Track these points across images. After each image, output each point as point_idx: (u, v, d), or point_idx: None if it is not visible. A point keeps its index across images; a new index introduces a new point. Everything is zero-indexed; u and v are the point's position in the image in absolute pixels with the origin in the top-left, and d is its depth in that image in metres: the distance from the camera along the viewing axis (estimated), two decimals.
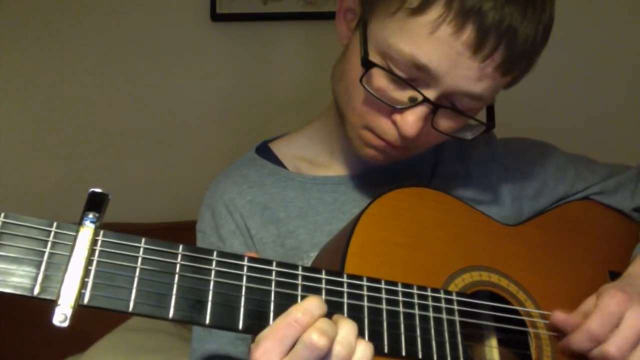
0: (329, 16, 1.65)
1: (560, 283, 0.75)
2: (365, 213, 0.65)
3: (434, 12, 0.61)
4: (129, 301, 0.46)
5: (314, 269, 0.56)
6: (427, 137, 0.70)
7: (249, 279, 0.52)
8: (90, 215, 0.46)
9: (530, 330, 0.68)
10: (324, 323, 0.49)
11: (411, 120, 0.66)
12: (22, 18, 1.74)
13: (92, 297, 0.45)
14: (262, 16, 1.72)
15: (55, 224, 0.45)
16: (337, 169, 0.83)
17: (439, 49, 0.62)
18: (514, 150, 0.89)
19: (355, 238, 0.62)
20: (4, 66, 1.73)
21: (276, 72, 1.74)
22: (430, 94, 0.65)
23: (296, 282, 0.54)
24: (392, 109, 0.67)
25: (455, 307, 0.62)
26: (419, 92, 0.65)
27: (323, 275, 0.56)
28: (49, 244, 0.44)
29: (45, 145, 1.75)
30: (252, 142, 0.90)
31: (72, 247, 0.45)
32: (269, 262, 0.54)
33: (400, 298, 0.59)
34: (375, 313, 0.57)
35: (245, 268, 0.52)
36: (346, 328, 0.50)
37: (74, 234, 0.45)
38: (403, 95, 0.66)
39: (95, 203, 0.46)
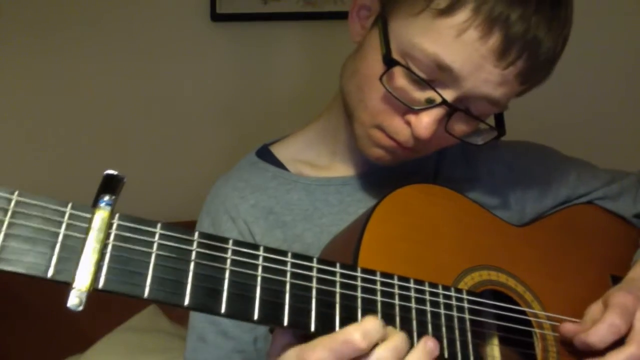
0: (329, 16, 1.70)
1: (565, 285, 0.75)
2: (377, 208, 0.64)
3: (461, 15, 0.61)
4: (144, 287, 0.45)
5: (329, 262, 0.55)
6: (438, 141, 0.70)
7: (265, 269, 0.51)
8: (106, 198, 0.44)
9: (537, 330, 0.68)
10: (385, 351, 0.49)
11: (426, 122, 0.65)
12: (22, 18, 1.74)
13: (107, 281, 0.43)
14: (262, 16, 1.72)
15: (70, 205, 0.44)
16: (339, 170, 0.82)
17: (464, 52, 0.62)
18: (517, 152, 0.89)
19: (368, 232, 0.61)
20: (3, 66, 1.72)
21: (276, 72, 1.74)
22: (449, 96, 0.65)
23: (311, 274, 0.53)
24: (407, 109, 0.66)
25: (466, 305, 0.62)
26: (437, 93, 0.64)
27: (337, 269, 0.55)
28: (64, 225, 0.43)
29: (44, 145, 1.74)
30: (252, 141, 0.89)
31: (88, 229, 0.43)
32: (284, 253, 0.53)
33: (413, 294, 0.59)
34: (388, 307, 0.56)
35: (260, 258, 0.51)
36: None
37: (89, 215, 0.44)
38: (420, 96, 0.66)
39: (110, 185, 0.45)
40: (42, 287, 1.25)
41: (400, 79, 0.66)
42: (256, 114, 1.72)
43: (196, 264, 0.48)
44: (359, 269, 0.56)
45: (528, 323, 0.69)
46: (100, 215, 0.44)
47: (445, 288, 0.61)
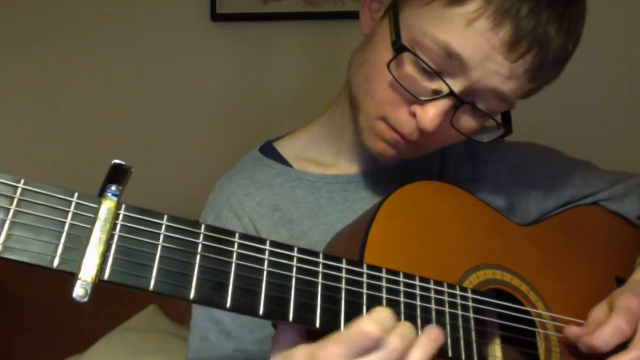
0: (329, 16, 1.70)
1: (569, 286, 0.75)
2: (384, 204, 0.63)
3: (473, 5, 0.61)
4: (149, 279, 0.44)
5: (335, 257, 0.55)
6: (441, 136, 0.69)
7: (271, 263, 0.50)
8: (113, 188, 0.44)
9: (540, 331, 0.68)
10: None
11: (432, 113, 0.65)
12: (22, 19, 1.73)
13: (112, 272, 0.43)
14: (262, 16, 1.72)
15: (76, 194, 0.43)
16: (344, 168, 0.82)
17: (474, 41, 0.62)
18: (521, 153, 0.89)
19: (375, 228, 0.61)
20: (3, 67, 1.71)
21: (276, 72, 1.73)
22: (456, 87, 0.64)
23: (317, 269, 0.53)
24: (414, 99, 0.66)
25: (470, 304, 0.62)
26: (445, 82, 0.64)
27: (343, 265, 0.55)
28: (70, 215, 0.42)
29: (43, 146, 1.73)
30: (252, 141, 0.88)
31: (94, 219, 0.43)
32: (291, 248, 0.52)
33: (418, 292, 0.58)
34: (393, 305, 0.56)
35: (267, 252, 0.51)
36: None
37: (95, 205, 0.43)
38: (428, 87, 0.66)
39: (117, 175, 0.44)
40: (42, 286, 1.25)
41: (408, 66, 0.66)
42: (256, 113, 1.72)
43: (202, 257, 0.47)
44: (364, 266, 0.56)
45: (532, 323, 0.68)
46: (107, 205, 0.44)
47: (451, 286, 0.61)
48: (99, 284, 0.42)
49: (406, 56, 0.65)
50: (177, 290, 0.45)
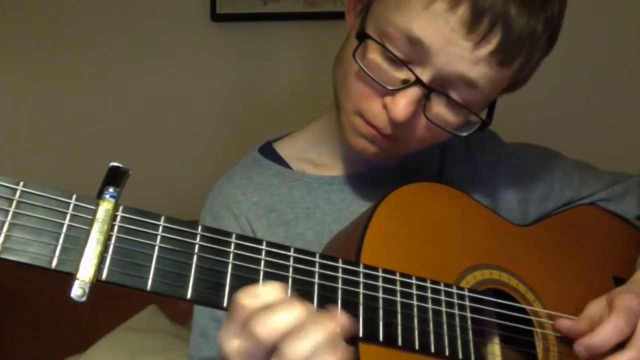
0: (329, 16, 1.70)
1: (567, 286, 0.75)
2: (381, 205, 0.64)
3: None
4: (147, 279, 0.45)
5: (331, 257, 0.55)
6: (419, 130, 0.68)
7: (267, 263, 0.51)
8: (111, 190, 0.44)
9: (538, 330, 0.68)
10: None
11: (402, 103, 0.64)
12: (22, 19, 1.73)
13: (110, 272, 0.43)
14: (262, 16, 1.72)
15: (74, 196, 0.44)
16: (342, 169, 0.82)
17: (434, 24, 0.61)
18: (520, 153, 0.89)
19: (371, 229, 0.61)
20: (3, 67, 1.71)
21: (276, 72, 1.74)
22: (424, 75, 0.64)
23: (313, 269, 0.53)
24: (384, 91, 0.65)
25: (467, 303, 0.62)
26: (411, 71, 0.63)
27: (340, 264, 0.55)
28: (68, 216, 0.43)
29: (43, 146, 1.74)
30: (252, 141, 0.88)
31: (92, 220, 0.43)
32: (287, 248, 0.53)
33: (414, 291, 0.59)
34: (390, 304, 0.57)
35: (263, 252, 0.51)
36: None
37: (93, 207, 0.44)
38: (397, 77, 0.65)
39: (115, 177, 0.45)
40: (42, 287, 1.25)
41: (376, 57, 0.65)
42: (256, 113, 1.72)
43: (199, 258, 0.48)
44: (361, 265, 0.56)
45: (530, 322, 0.69)
46: (105, 207, 0.44)
47: (447, 286, 0.61)
48: (97, 284, 0.42)
49: (373, 46, 0.65)
50: (174, 290, 0.46)
